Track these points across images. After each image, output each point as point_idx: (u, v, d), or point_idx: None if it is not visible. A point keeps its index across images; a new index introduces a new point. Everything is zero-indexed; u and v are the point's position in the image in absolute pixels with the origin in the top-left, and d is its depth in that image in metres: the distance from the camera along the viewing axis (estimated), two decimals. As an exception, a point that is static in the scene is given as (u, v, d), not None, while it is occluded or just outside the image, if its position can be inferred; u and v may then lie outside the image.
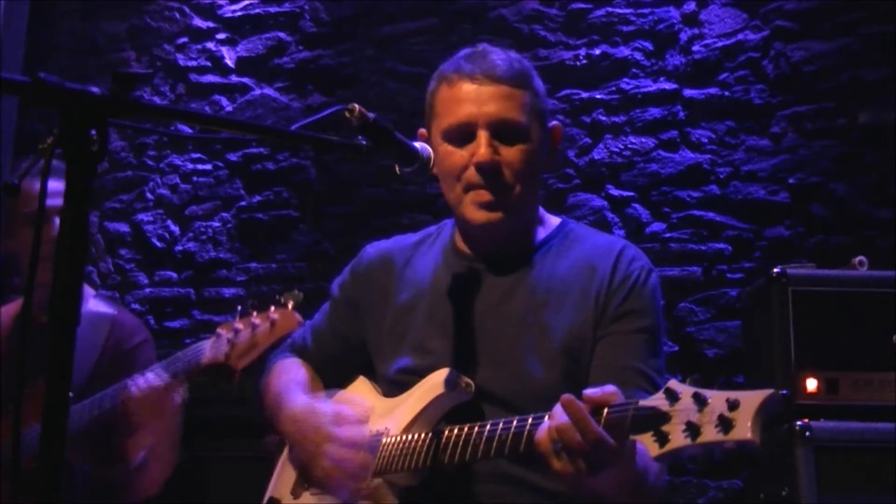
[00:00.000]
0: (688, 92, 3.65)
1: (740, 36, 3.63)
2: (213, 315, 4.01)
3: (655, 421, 1.38)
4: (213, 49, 4.31)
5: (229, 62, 4.28)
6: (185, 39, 4.36)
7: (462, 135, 1.87)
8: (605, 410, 1.46)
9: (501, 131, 1.86)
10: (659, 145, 3.65)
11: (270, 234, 4.07)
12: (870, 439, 2.57)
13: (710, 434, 1.32)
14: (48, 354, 1.12)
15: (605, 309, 1.83)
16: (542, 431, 1.51)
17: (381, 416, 1.87)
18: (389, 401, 1.90)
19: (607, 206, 3.66)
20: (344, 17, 4.15)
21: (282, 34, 4.23)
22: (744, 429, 1.29)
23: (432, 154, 1.73)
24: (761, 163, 3.52)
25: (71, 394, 1.17)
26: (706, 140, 3.60)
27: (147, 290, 4.17)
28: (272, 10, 4.26)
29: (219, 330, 2.31)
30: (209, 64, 4.31)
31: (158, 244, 4.20)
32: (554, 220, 2.01)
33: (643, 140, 3.67)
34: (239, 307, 2.31)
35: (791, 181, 3.48)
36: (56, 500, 1.09)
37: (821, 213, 3.43)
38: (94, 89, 1.18)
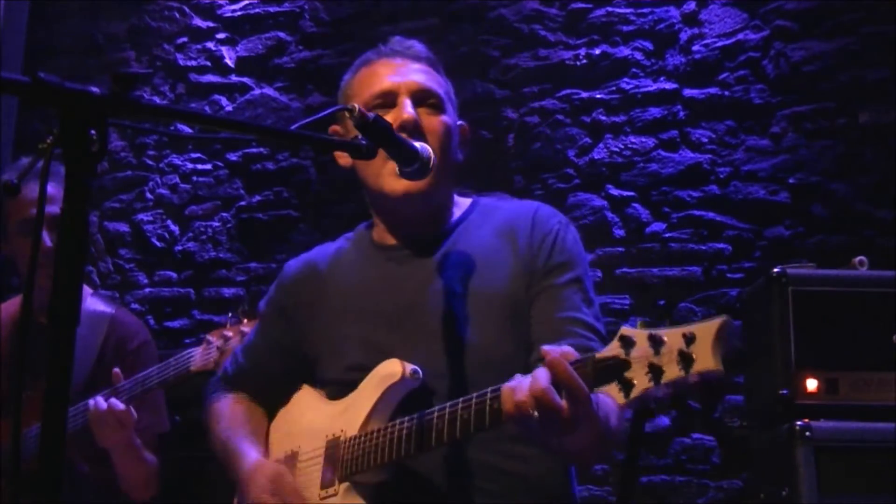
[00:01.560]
0: (688, 92, 3.65)
1: (740, 36, 3.63)
2: (213, 315, 4.00)
3: (617, 370, 1.36)
4: (213, 49, 4.31)
5: (229, 62, 4.28)
6: (184, 39, 4.36)
7: (383, 102, 1.88)
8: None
9: (423, 100, 1.89)
10: (659, 145, 3.65)
11: (270, 234, 4.07)
12: (870, 439, 2.56)
13: (673, 372, 1.31)
14: (48, 355, 1.12)
15: (532, 267, 1.85)
16: (521, 396, 1.47)
17: (333, 418, 1.86)
18: (339, 402, 1.89)
19: (607, 205, 3.66)
20: (344, 17, 4.15)
21: (282, 34, 4.23)
22: (706, 359, 1.29)
23: (432, 154, 1.73)
24: (761, 163, 3.52)
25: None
26: (706, 140, 3.60)
27: (147, 290, 4.17)
28: (272, 9, 4.26)
29: (208, 337, 2.33)
30: (209, 64, 4.31)
31: (158, 244, 4.20)
32: (466, 201, 2.04)
33: (643, 140, 3.67)
34: (229, 314, 2.32)
35: (791, 181, 3.47)
36: (56, 500, 1.09)
37: (821, 213, 3.43)
38: (94, 89, 1.18)
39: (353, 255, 2.05)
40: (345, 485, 1.77)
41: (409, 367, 1.76)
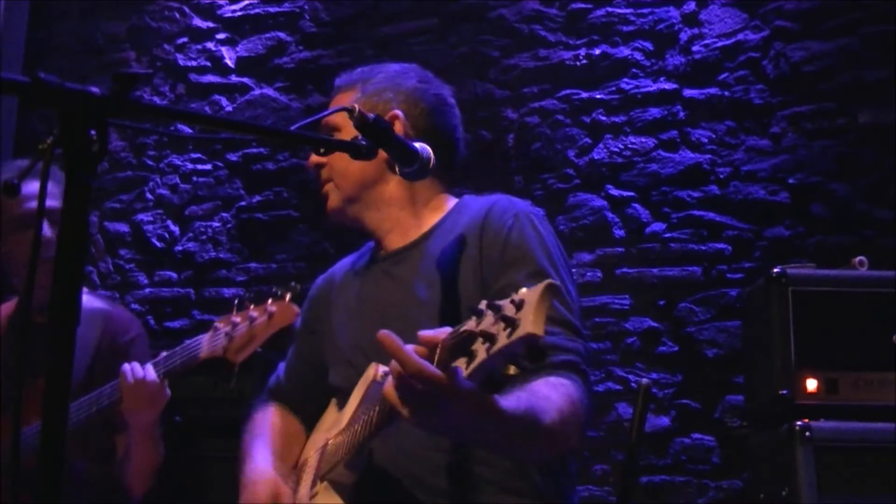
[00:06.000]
0: (688, 92, 3.65)
1: (740, 36, 3.63)
2: (213, 315, 3.98)
3: (468, 342, 1.32)
4: (213, 49, 4.31)
5: (229, 62, 4.28)
6: (185, 39, 4.36)
7: None
8: (438, 347, 1.40)
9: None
10: (659, 145, 3.65)
11: (270, 234, 4.07)
12: (870, 439, 2.57)
13: (502, 339, 1.26)
14: (48, 355, 1.12)
15: (485, 270, 1.82)
16: (387, 384, 1.46)
17: (332, 425, 1.93)
18: (341, 410, 1.96)
19: (607, 206, 3.66)
20: (344, 17, 4.15)
21: (282, 34, 4.23)
22: (527, 324, 1.23)
23: (431, 154, 1.73)
24: (761, 163, 3.52)
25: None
26: (706, 140, 3.60)
27: (147, 290, 4.17)
28: (272, 10, 4.26)
29: (216, 324, 2.31)
30: (209, 64, 4.31)
31: (158, 244, 4.20)
32: (449, 203, 2.06)
33: (643, 140, 3.67)
34: (236, 301, 2.32)
35: (791, 181, 3.47)
36: (56, 500, 1.09)
37: (821, 213, 3.43)
38: (94, 89, 1.17)
39: (358, 266, 2.14)
40: (325, 483, 1.82)
41: (382, 369, 1.77)
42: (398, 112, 2.00)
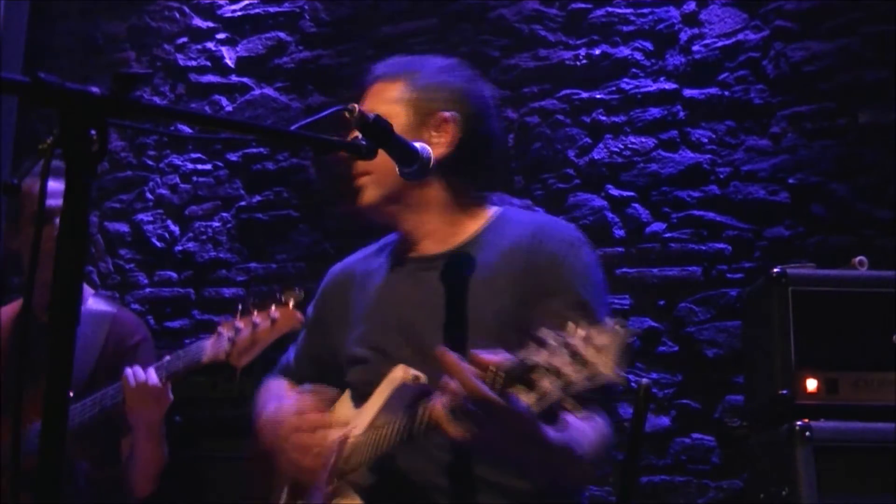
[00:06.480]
0: (688, 92, 3.65)
1: (740, 36, 3.63)
2: (213, 315, 4.01)
3: (528, 370, 1.36)
4: (213, 49, 4.31)
5: (229, 62, 4.28)
6: (185, 39, 4.37)
7: None
8: (499, 371, 1.42)
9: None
10: (659, 145, 3.65)
11: (270, 234, 4.07)
12: (870, 439, 2.57)
13: (574, 378, 1.30)
14: (48, 355, 1.12)
15: (533, 290, 1.83)
16: (437, 401, 1.50)
17: (350, 420, 1.90)
18: (360, 406, 1.93)
19: (607, 206, 3.66)
20: (344, 17, 4.15)
21: (282, 34, 4.23)
22: (603, 367, 1.28)
23: (431, 155, 1.73)
24: (761, 163, 3.52)
25: (71, 392, 1.17)
26: (706, 140, 3.60)
27: (147, 290, 4.17)
28: (272, 10, 4.26)
29: (219, 328, 2.32)
30: (209, 64, 4.31)
31: (158, 244, 4.20)
32: (489, 213, 2.02)
33: (643, 140, 3.67)
34: (239, 305, 2.32)
35: (791, 181, 3.48)
36: (56, 500, 1.09)
37: (821, 213, 3.43)
38: (94, 89, 1.17)
39: (383, 261, 2.07)
40: (342, 482, 1.80)
41: (413, 372, 1.78)
42: (451, 113, 1.95)
